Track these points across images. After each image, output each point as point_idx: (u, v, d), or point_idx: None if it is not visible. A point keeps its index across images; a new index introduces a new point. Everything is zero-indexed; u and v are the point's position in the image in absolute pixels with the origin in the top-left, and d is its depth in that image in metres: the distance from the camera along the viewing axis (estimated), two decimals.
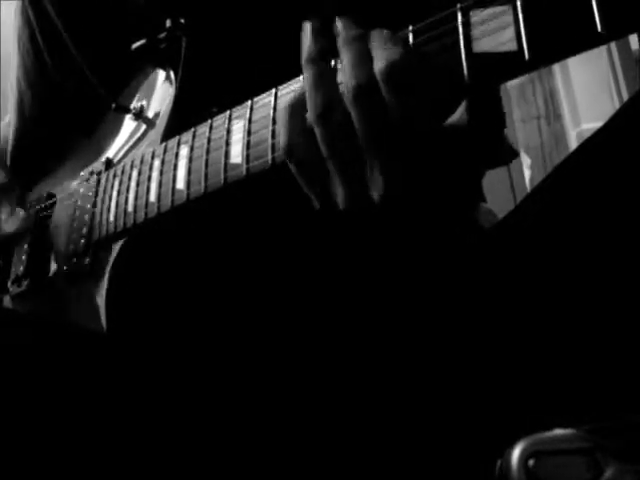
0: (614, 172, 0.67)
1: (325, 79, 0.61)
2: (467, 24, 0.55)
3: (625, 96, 2.32)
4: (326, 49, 0.62)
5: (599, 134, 0.70)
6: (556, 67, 2.39)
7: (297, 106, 0.63)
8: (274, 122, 0.67)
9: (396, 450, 0.75)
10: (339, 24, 0.62)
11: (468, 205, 0.83)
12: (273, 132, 0.67)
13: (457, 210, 0.71)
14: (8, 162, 1.11)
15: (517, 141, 2.45)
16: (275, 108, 0.68)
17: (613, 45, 2.27)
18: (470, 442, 0.71)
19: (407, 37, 0.59)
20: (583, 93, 2.45)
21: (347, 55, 0.60)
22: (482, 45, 0.55)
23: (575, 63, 2.36)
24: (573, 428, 0.55)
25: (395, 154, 0.59)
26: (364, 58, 0.59)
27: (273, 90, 0.69)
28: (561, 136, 2.49)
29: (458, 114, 0.63)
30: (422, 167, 0.60)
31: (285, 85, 0.68)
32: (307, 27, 0.64)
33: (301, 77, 0.66)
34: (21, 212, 1.04)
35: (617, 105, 2.32)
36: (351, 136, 0.60)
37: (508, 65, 0.54)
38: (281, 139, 0.63)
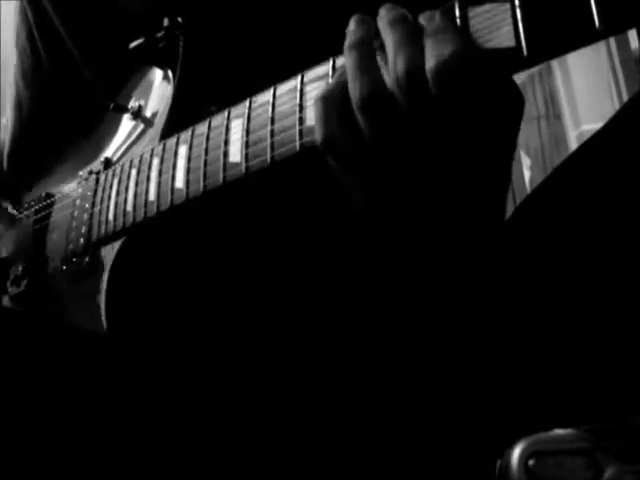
0: (614, 173, 0.67)
1: (370, 62, 0.58)
2: (464, 19, 0.55)
3: (625, 96, 2.32)
4: (370, 36, 0.59)
5: (599, 135, 0.70)
6: (556, 67, 2.39)
7: (333, 95, 0.60)
8: (273, 122, 0.67)
9: (396, 450, 0.75)
10: (382, 9, 0.60)
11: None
12: (272, 131, 0.67)
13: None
14: (5, 162, 1.11)
15: (517, 141, 2.45)
16: (274, 106, 0.68)
17: (613, 45, 2.27)
18: (470, 442, 0.71)
19: (462, 25, 0.55)
20: (583, 94, 2.45)
21: (390, 37, 0.57)
22: (480, 41, 0.54)
23: (575, 63, 2.36)
24: (573, 428, 0.55)
25: (441, 139, 0.57)
26: (409, 39, 0.56)
27: (271, 89, 0.69)
28: (561, 137, 2.49)
29: None
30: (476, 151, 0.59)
31: (284, 83, 0.68)
32: (352, 19, 0.61)
33: (298, 77, 0.66)
34: (18, 221, 1.04)
35: (617, 106, 2.32)
36: (400, 122, 0.57)
37: (506, 61, 0.53)
38: (318, 132, 0.60)
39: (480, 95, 0.55)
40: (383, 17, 0.59)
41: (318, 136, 0.60)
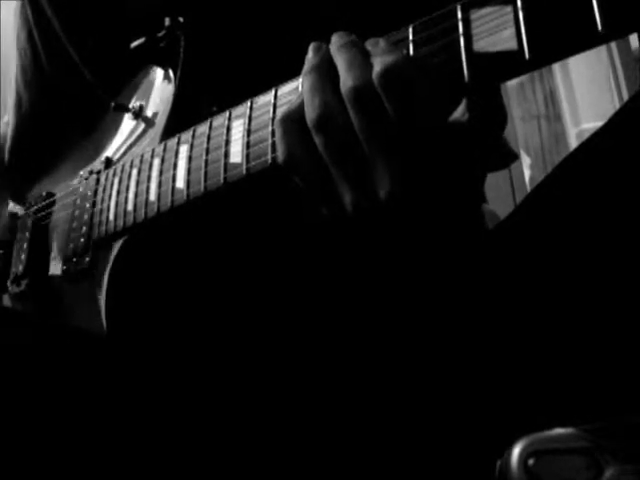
0: (614, 172, 0.67)
1: (322, 85, 0.61)
2: (467, 22, 0.55)
3: (625, 96, 2.32)
4: (324, 61, 0.63)
5: (599, 134, 0.70)
6: (556, 67, 2.39)
7: (293, 117, 0.63)
8: (274, 122, 0.67)
9: (396, 450, 0.75)
10: (333, 36, 0.63)
11: (470, 205, 0.83)
12: (273, 132, 0.67)
13: (460, 210, 0.71)
14: (6, 160, 1.11)
15: (517, 141, 2.45)
16: (275, 107, 0.68)
17: (613, 45, 2.27)
18: (470, 442, 0.71)
19: (405, 41, 0.59)
20: (583, 93, 2.45)
21: (340, 59, 0.61)
22: (482, 44, 0.54)
23: (575, 63, 2.36)
24: (573, 428, 0.55)
25: (398, 151, 0.59)
26: (358, 60, 0.60)
27: (273, 89, 0.69)
28: (561, 136, 2.49)
29: (460, 111, 0.63)
30: (426, 163, 0.60)
31: (285, 84, 0.68)
32: (310, 46, 0.64)
33: (300, 78, 0.66)
34: (18, 220, 1.04)
35: (617, 105, 2.32)
36: (352, 139, 0.60)
37: (508, 64, 0.53)
38: (280, 152, 0.63)
39: (423, 101, 0.57)
40: (334, 43, 0.63)
41: (279, 155, 0.63)
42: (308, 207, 0.66)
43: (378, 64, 0.58)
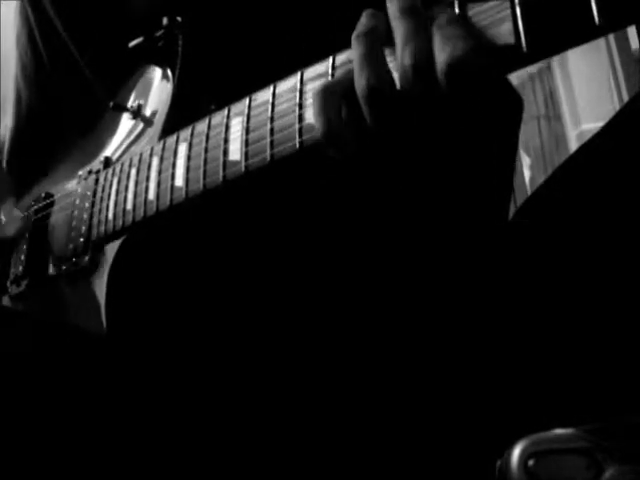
0: (615, 173, 0.67)
1: (377, 54, 0.58)
2: (464, 17, 0.55)
3: (625, 96, 2.32)
4: (379, 27, 0.59)
5: (600, 135, 0.70)
6: (556, 67, 2.39)
7: (335, 87, 0.60)
8: (272, 120, 0.67)
9: (396, 450, 0.75)
10: None
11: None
12: (272, 130, 0.67)
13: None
14: (5, 160, 1.11)
15: (517, 143, 2.45)
16: (274, 105, 0.68)
17: (613, 45, 2.27)
18: (470, 442, 0.71)
19: (473, 24, 0.55)
20: (583, 93, 2.45)
21: (399, 29, 0.57)
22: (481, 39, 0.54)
23: (575, 63, 2.36)
24: (573, 428, 0.55)
25: (446, 122, 0.58)
26: (418, 33, 0.56)
27: (271, 87, 0.69)
28: (561, 136, 2.49)
29: None
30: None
31: (283, 81, 0.68)
32: (364, 12, 0.61)
33: (297, 75, 0.66)
34: (19, 214, 1.04)
35: (617, 105, 2.32)
36: (404, 110, 0.57)
37: (506, 58, 0.53)
38: (319, 124, 0.60)
39: (485, 93, 0.55)
40: (393, 5, 0.58)
41: (320, 129, 0.60)
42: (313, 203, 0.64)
43: (444, 51, 0.54)
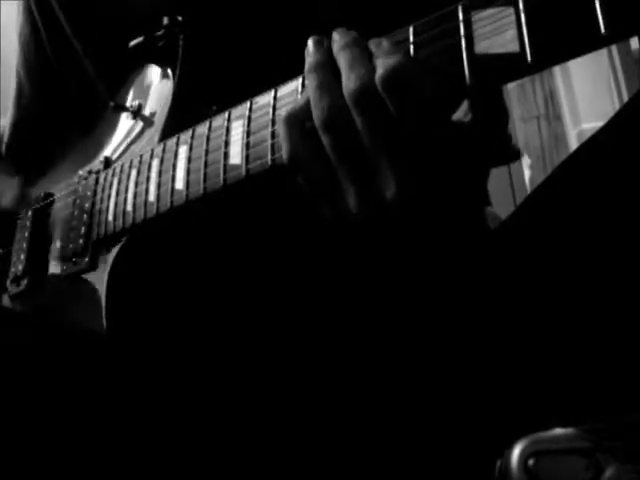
0: (615, 172, 0.67)
1: (329, 85, 0.61)
2: (468, 23, 0.55)
3: (625, 96, 2.32)
4: (328, 59, 0.62)
5: (600, 134, 0.69)
6: (556, 67, 2.39)
7: (298, 116, 0.62)
8: (274, 124, 0.67)
9: (396, 450, 0.75)
10: (334, 33, 0.63)
11: (474, 205, 0.83)
12: (273, 133, 0.67)
13: (464, 210, 0.71)
14: (3, 155, 1.11)
15: (517, 141, 2.45)
16: (275, 108, 0.68)
17: (613, 45, 2.27)
18: (470, 442, 0.71)
19: (405, 42, 0.59)
20: (583, 93, 2.45)
21: (343, 59, 0.60)
22: (484, 46, 0.54)
23: (575, 63, 2.36)
24: (573, 428, 0.55)
25: (402, 153, 0.59)
26: (360, 60, 0.59)
27: (272, 90, 0.69)
28: (561, 136, 2.49)
29: (462, 111, 0.63)
30: (430, 163, 0.60)
31: (284, 84, 0.68)
32: (309, 40, 0.64)
33: (299, 78, 0.66)
34: (17, 220, 1.04)
35: (617, 105, 2.32)
36: (358, 140, 0.59)
37: (510, 67, 0.53)
38: (284, 151, 0.63)
39: (431, 103, 0.57)
40: (336, 41, 0.62)
41: (284, 155, 0.63)
42: (311, 208, 0.66)
43: (380, 66, 0.58)
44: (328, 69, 0.62)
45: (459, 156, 0.62)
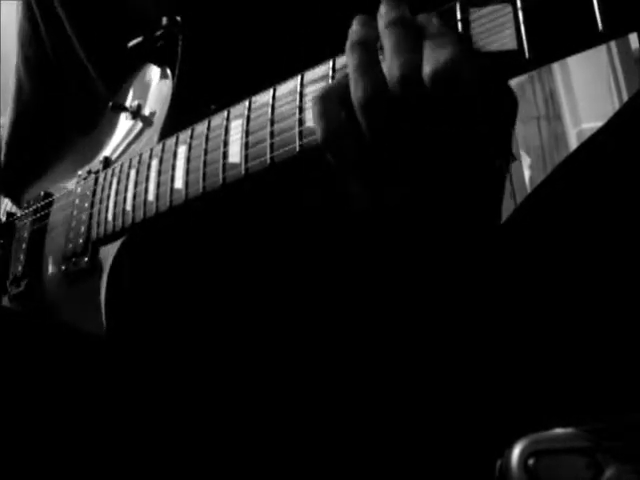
0: (615, 172, 0.67)
1: (370, 64, 0.58)
2: (466, 22, 0.55)
3: (625, 96, 2.32)
4: (372, 36, 0.59)
5: (600, 134, 0.70)
6: (556, 67, 2.39)
7: (334, 94, 0.60)
8: (272, 123, 0.67)
9: (396, 450, 0.75)
10: (382, 6, 0.59)
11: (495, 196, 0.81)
12: (272, 133, 0.67)
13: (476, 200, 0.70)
14: (3, 154, 1.11)
15: (517, 141, 2.45)
16: (273, 108, 0.68)
17: (613, 45, 2.26)
18: (470, 442, 0.71)
19: (460, 30, 0.56)
20: (583, 93, 2.45)
21: (388, 40, 0.57)
22: (481, 44, 0.54)
23: (575, 63, 2.36)
24: (573, 428, 0.55)
25: (444, 143, 0.58)
26: (407, 43, 0.56)
27: (271, 90, 0.69)
28: (561, 136, 2.49)
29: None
30: (462, 155, 0.59)
31: (283, 83, 0.68)
32: (355, 18, 0.61)
33: (298, 78, 0.65)
34: (17, 221, 1.04)
35: (617, 105, 2.32)
36: (399, 123, 0.58)
37: (508, 64, 0.53)
38: (319, 130, 0.60)
39: (477, 98, 0.55)
40: (382, 17, 0.59)
41: (319, 135, 0.60)
42: (338, 189, 0.64)
43: (430, 60, 0.54)
44: (371, 47, 0.59)
45: (475, 149, 0.61)
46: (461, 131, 0.57)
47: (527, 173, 2.42)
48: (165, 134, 0.82)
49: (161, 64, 0.90)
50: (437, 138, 0.58)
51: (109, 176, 0.89)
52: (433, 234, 0.70)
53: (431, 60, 0.54)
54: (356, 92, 0.58)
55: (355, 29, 0.60)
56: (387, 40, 0.57)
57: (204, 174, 0.73)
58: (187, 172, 0.75)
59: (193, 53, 0.86)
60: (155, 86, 0.92)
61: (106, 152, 0.95)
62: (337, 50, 0.63)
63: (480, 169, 0.62)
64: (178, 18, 0.86)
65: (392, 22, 0.58)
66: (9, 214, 1.08)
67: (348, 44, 0.60)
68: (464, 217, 0.67)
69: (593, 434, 0.54)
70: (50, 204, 1.01)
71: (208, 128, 0.74)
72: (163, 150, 0.80)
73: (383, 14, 0.59)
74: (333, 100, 0.60)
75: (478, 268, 0.74)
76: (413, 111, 0.57)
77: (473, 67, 0.54)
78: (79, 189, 0.94)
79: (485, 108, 0.57)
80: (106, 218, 0.86)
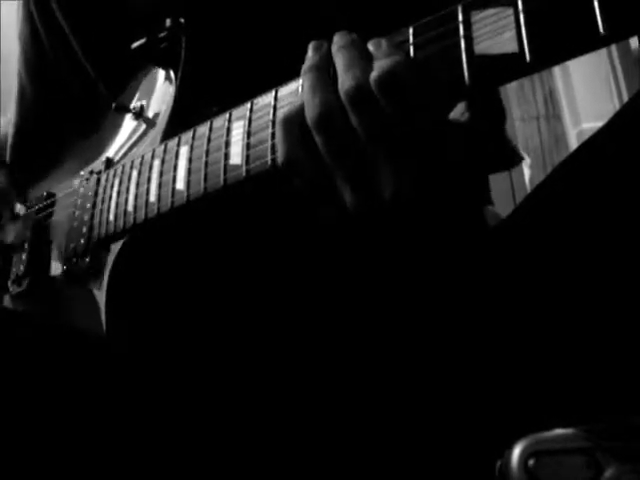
0: (615, 172, 0.67)
1: (322, 85, 0.61)
2: (468, 24, 0.55)
3: (625, 96, 2.32)
4: (324, 61, 0.63)
5: (599, 134, 0.70)
6: (556, 67, 2.39)
7: (293, 118, 0.63)
8: (274, 124, 0.67)
9: (396, 450, 0.75)
10: (335, 35, 0.63)
11: (472, 203, 0.83)
12: (273, 134, 0.67)
13: (462, 208, 0.71)
14: (8, 156, 1.11)
15: (517, 141, 2.45)
16: (275, 108, 0.68)
17: (613, 45, 2.27)
18: (470, 442, 0.71)
19: (405, 43, 0.59)
20: (583, 93, 2.45)
21: (340, 60, 0.61)
22: (483, 46, 0.54)
23: (575, 63, 2.35)
24: (573, 428, 0.55)
25: (399, 152, 0.59)
26: (357, 61, 0.60)
27: (273, 91, 0.69)
28: (561, 136, 2.49)
29: (459, 110, 0.63)
30: (427, 162, 0.60)
31: (285, 85, 0.68)
32: (309, 44, 0.65)
33: (300, 79, 0.66)
34: (19, 220, 1.04)
35: (617, 105, 2.32)
36: (353, 139, 0.59)
37: (509, 67, 0.53)
38: (280, 153, 0.63)
39: (426, 107, 0.58)
40: (335, 43, 0.63)
41: (279, 157, 0.63)
42: (309, 209, 0.66)
43: (377, 68, 0.58)
44: (323, 70, 0.62)
45: (456, 155, 0.62)
46: (417, 141, 0.59)
47: (527, 173, 2.42)
48: (167, 135, 0.82)
49: (164, 66, 0.90)
50: (392, 151, 0.59)
51: (111, 177, 0.89)
52: (416, 238, 0.71)
53: (377, 68, 0.58)
54: (309, 112, 0.61)
55: (309, 55, 0.64)
56: (339, 60, 0.61)
57: (205, 175, 0.73)
58: (189, 173, 0.76)
59: (196, 55, 0.86)
60: (158, 88, 0.92)
61: (109, 153, 0.95)
62: None
63: (452, 179, 0.62)
64: (181, 20, 0.86)
65: (343, 45, 0.62)
66: (12, 213, 1.08)
67: (302, 70, 0.64)
68: (439, 223, 0.69)
69: (593, 434, 0.54)
70: (53, 204, 1.01)
71: (210, 129, 0.74)
72: (165, 151, 0.80)
73: (336, 41, 0.63)
74: (293, 124, 0.63)
75: (477, 268, 0.74)
76: (366, 125, 0.59)
77: (419, 72, 0.57)
78: (81, 189, 0.94)
79: (436, 115, 0.59)
80: (108, 218, 0.86)
